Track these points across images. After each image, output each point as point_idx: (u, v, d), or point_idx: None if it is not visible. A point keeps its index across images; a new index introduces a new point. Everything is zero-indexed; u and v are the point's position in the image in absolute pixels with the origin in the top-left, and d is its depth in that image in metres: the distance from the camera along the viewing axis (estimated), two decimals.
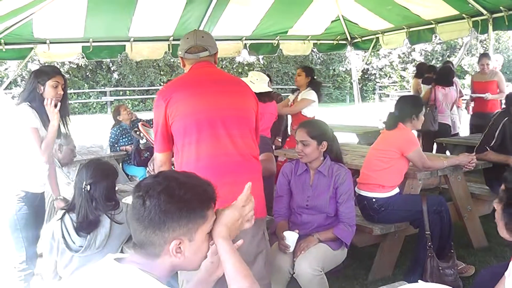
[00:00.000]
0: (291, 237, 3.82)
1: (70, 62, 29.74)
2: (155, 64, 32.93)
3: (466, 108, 10.01)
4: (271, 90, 6.48)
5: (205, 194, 1.88)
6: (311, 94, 7.44)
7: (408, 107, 4.92)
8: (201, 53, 3.40)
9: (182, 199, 1.79)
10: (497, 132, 5.62)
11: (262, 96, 5.53)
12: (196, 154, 3.16)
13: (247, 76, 6.07)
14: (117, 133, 7.98)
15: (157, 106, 3.24)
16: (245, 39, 9.63)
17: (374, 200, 4.74)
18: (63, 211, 3.70)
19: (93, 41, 8.42)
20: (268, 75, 7.13)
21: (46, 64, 6.68)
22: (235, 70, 33.49)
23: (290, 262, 3.83)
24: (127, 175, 7.94)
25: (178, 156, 3.25)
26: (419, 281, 2.50)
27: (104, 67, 33.00)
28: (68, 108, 4.40)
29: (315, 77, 7.74)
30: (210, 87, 3.27)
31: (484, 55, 9.42)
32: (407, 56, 37.72)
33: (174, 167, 3.36)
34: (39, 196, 4.21)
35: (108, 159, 6.85)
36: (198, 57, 3.40)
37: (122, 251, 3.73)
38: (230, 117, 3.24)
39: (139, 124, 7.14)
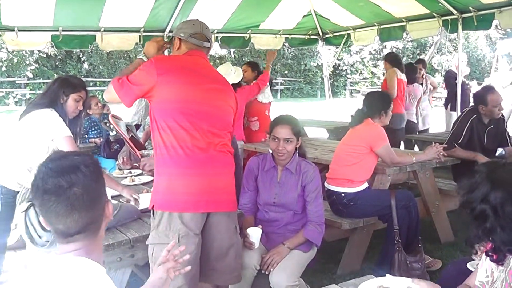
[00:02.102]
0: (254, 234, 3.78)
1: (39, 51, 29.31)
2: (126, 55, 32.66)
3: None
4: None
5: (96, 159, 1.98)
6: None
7: (377, 103, 4.98)
8: (206, 43, 3.47)
9: (92, 162, 1.89)
10: (465, 129, 5.69)
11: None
12: (178, 141, 3.17)
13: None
14: (86, 125, 7.87)
15: (148, 69, 3.18)
16: (217, 32, 9.56)
17: (343, 194, 4.78)
18: (29, 203, 3.62)
19: (63, 30, 8.26)
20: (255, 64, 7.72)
21: (73, 75, 6.56)
22: None
23: (255, 258, 3.79)
24: None
25: (157, 135, 3.22)
26: (386, 274, 2.53)
27: (74, 57, 32.64)
28: (82, 122, 4.38)
29: (261, 72, 7.74)
30: (204, 81, 3.31)
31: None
32: (378, 53, 38.01)
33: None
34: (14, 193, 4.12)
35: None
36: (202, 45, 3.45)
37: None
38: (215, 116, 3.29)
39: (109, 115, 7.05)
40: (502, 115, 5.84)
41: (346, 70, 39.25)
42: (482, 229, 2.16)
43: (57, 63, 32.58)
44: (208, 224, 3.29)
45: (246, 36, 9.95)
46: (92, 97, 8.42)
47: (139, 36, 8.91)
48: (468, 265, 2.82)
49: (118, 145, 7.70)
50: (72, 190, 1.77)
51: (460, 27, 8.13)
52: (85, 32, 8.55)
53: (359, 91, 35.54)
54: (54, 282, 1.72)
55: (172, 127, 3.17)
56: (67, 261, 1.78)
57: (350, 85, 38.67)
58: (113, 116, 6.90)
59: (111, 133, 7.77)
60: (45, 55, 31.19)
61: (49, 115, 4.00)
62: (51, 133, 3.97)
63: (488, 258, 2.25)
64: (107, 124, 7.68)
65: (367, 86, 36.81)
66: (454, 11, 7.97)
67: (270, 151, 4.04)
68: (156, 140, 3.24)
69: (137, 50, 29.57)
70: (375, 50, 37.76)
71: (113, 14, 7.99)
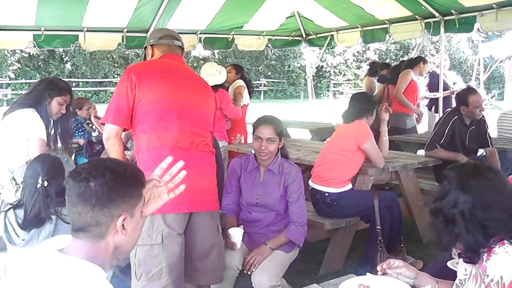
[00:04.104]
0: (236, 234, 3.78)
1: (21, 50, 29.03)
2: (109, 56, 32.50)
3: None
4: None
5: (138, 173, 1.98)
6: (238, 82, 7.49)
7: (364, 103, 5.06)
8: (176, 41, 3.53)
9: (124, 176, 1.88)
10: (447, 130, 5.73)
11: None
12: (160, 141, 3.19)
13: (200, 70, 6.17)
14: (72, 126, 7.83)
15: (125, 79, 3.22)
16: (200, 33, 9.57)
17: (327, 194, 4.80)
18: (9, 206, 3.60)
19: (45, 30, 8.21)
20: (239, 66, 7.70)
21: (60, 78, 6.51)
22: (190, 64, 33.27)
23: (237, 259, 3.78)
24: None
25: (140, 138, 3.24)
26: (367, 273, 2.54)
27: (56, 57, 32.39)
28: (70, 129, 4.34)
29: (244, 75, 7.77)
30: (182, 81, 3.36)
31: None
32: (361, 54, 38.19)
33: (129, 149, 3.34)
34: None
35: (60, 151, 6.69)
36: (173, 44, 3.51)
37: None
38: (195, 115, 3.32)
39: (92, 116, 7.03)
40: (483, 116, 5.89)
41: (329, 71, 39.34)
42: (453, 234, 2.21)
43: (39, 63, 32.31)
44: (191, 224, 3.30)
45: (230, 37, 9.94)
46: (85, 100, 8.37)
47: (122, 36, 8.88)
48: (449, 264, 2.83)
49: (100, 145, 7.68)
50: (87, 183, 1.81)
51: (442, 29, 8.27)
52: (68, 32, 8.51)
53: (342, 93, 35.66)
54: (45, 278, 1.72)
55: (154, 128, 3.19)
56: (64, 259, 1.77)
57: (334, 87, 38.78)
58: (96, 117, 6.88)
59: (93, 134, 7.76)
60: (27, 55, 30.92)
61: (29, 115, 3.99)
62: (27, 133, 3.97)
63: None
64: (90, 125, 7.69)
65: (350, 87, 36.93)
66: (437, 14, 8.09)
67: (253, 152, 4.04)
68: (139, 144, 3.25)
69: (120, 51, 29.67)
70: (358, 51, 37.92)
71: (96, 14, 7.95)
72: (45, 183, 3.48)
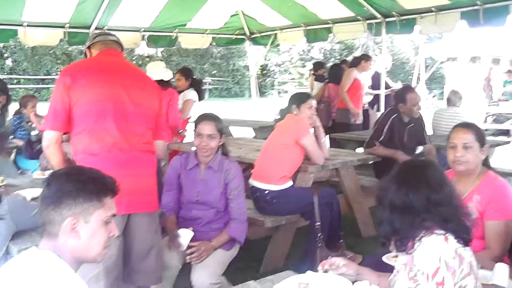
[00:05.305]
0: (186, 236, 3.77)
1: None
2: (51, 52, 31.70)
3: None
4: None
5: (103, 181, 2.07)
6: (190, 94, 7.51)
7: (292, 100, 5.22)
8: (110, 36, 3.49)
9: (80, 180, 2.01)
10: (386, 127, 5.87)
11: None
12: (98, 143, 3.14)
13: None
14: (15, 123, 7.64)
15: (60, 82, 3.17)
16: (144, 31, 9.49)
17: (266, 192, 4.84)
18: None
19: None
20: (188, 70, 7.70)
21: None
22: (134, 62, 32.83)
23: (177, 258, 3.79)
24: (20, 168, 7.60)
25: (77, 140, 3.19)
26: (307, 271, 2.58)
27: None
28: (7, 130, 4.20)
29: (194, 77, 7.80)
30: (119, 79, 3.27)
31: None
32: (306, 53, 38.44)
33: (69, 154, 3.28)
34: None
35: None
36: (107, 39, 3.45)
37: (7, 250, 3.54)
38: (134, 113, 3.26)
39: (31, 114, 6.88)
40: (421, 114, 6.05)
41: (274, 70, 39.49)
42: (387, 223, 2.30)
43: None
44: (129, 226, 3.27)
45: (173, 35, 9.90)
46: (30, 98, 8.13)
47: (64, 32, 8.69)
48: (384, 258, 2.91)
49: (40, 145, 7.48)
50: (49, 185, 2.01)
51: (384, 30, 8.49)
52: (6, 26, 8.27)
53: (287, 91, 35.81)
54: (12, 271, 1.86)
55: (91, 130, 3.14)
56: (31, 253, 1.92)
57: (278, 85, 38.93)
58: (36, 115, 6.74)
59: (33, 133, 7.57)
60: None
61: None
62: None
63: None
64: (29, 123, 7.50)
65: (295, 86, 37.11)
66: (378, 15, 8.31)
67: (193, 149, 4.05)
68: (76, 147, 3.20)
69: (63, 47, 29.07)
70: (303, 50, 38.18)
71: (36, 8, 7.76)
72: None
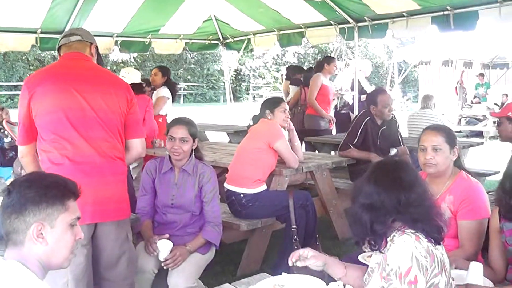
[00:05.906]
0: (165, 247, 3.71)
1: None
2: (24, 58, 31.41)
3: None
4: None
5: (65, 185, 2.05)
6: (163, 91, 7.57)
7: (264, 105, 5.27)
8: (72, 37, 3.33)
9: (42, 185, 1.98)
10: (360, 130, 5.92)
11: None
12: (59, 152, 3.10)
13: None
14: None
15: (21, 96, 3.16)
16: (117, 36, 9.42)
17: (242, 195, 4.86)
18: None
19: None
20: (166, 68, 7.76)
21: None
22: (109, 68, 32.66)
23: (153, 262, 3.77)
24: None
25: (41, 151, 3.16)
26: (282, 273, 2.59)
27: None
28: None
29: (171, 77, 7.85)
30: (76, 85, 3.16)
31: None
32: (280, 58, 38.60)
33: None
34: None
35: None
36: (69, 41, 3.32)
37: None
38: (94, 118, 3.17)
39: (4, 121, 6.81)
40: (394, 116, 6.12)
41: (248, 74, 39.57)
42: (360, 222, 2.32)
43: None
44: (96, 234, 3.24)
45: (147, 41, 9.82)
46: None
47: (36, 37, 8.57)
48: (359, 257, 2.93)
49: (13, 152, 7.42)
50: (9, 194, 1.96)
51: (356, 35, 8.57)
52: None
53: (262, 96, 35.91)
54: None
55: (53, 140, 3.10)
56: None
57: (253, 90, 39.02)
58: (8, 121, 6.68)
59: (6, 140, 7.49)
60: None
61: None
62: None
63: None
64: (1, 131, 7.42)
65: (270, 91, 37.25)
66: (350, 20, 8.39)
67: (167, 153, 4.05)
68: (41, 157, 3.17)
69: (35, 53, 28.74)
70: (277, 55, 38.33)
71: (6, 13, 7.65)
72: None
